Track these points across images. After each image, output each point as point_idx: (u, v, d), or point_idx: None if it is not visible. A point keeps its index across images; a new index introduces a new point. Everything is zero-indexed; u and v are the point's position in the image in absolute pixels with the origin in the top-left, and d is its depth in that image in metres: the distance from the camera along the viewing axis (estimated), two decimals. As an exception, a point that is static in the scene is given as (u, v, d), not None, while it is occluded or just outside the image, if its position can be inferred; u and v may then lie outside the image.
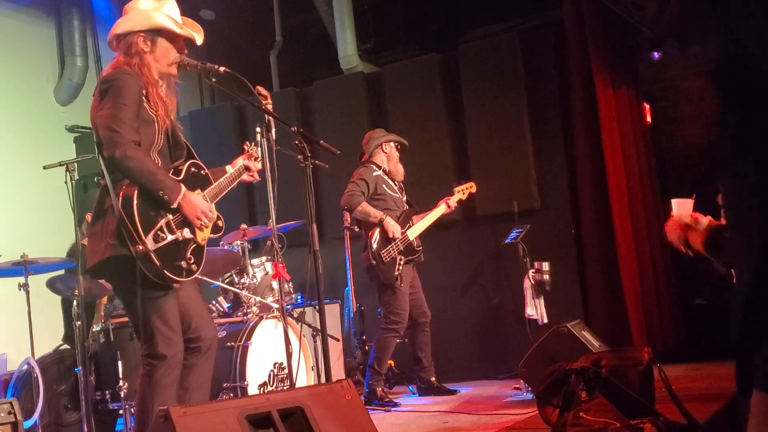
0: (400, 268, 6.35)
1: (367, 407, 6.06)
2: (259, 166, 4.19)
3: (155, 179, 3.60)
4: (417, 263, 6.62)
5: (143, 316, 3.61)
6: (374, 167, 6.55)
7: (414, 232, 6.49)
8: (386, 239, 6.36)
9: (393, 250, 6.35)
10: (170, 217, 3.67)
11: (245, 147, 4.21)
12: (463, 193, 6.83)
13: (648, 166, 7.10)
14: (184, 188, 3.71)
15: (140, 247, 3.53)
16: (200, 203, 3.74)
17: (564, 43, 7.32)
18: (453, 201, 6.73)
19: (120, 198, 3.58)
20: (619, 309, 6.91)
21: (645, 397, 4.21)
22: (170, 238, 3.65)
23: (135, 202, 3.57)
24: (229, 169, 4.11)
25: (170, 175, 3.75)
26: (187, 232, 3.71)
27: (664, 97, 7.70)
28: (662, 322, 6.93)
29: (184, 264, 3.70)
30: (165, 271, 3.60)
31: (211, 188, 3.95)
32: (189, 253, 3.73)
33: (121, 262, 3.59)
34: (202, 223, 3.74)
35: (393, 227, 6.35)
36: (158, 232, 3.61)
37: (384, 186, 6.53)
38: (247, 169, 4.15)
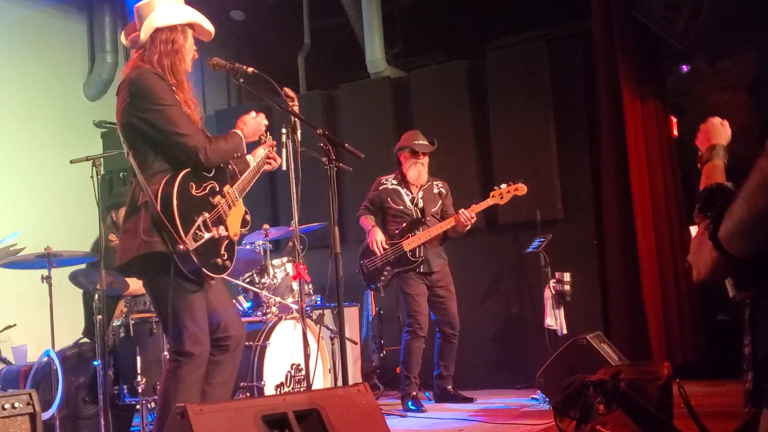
0: (385, 277, 6.42)
1: (399, 408, 6.11)
2: (278, 159, 4.19)
3: (233, 152, 3.87)
4: (443, 273, 6.52)
5: (173, 313, 3.63)
6: (389, 179, 6.56)
7: (411, 243, 6.36)
8: (369, 249, 6.44)
9: (377, 260, 6.41)
10: (206, 215, 3.70)
11: (261, 137, 4.20)
12: (502, 197, 6.33)
13: (673, 180, 7.05)
14: (238, 132, 3.91)
15: (181, 246, 3.55)
16: (250, 124, 3.99)
17: (592, 54, 7.29)
18: (481, 206, 6.31)
19: (159, 198, 3.59)
20: (640, 322, 6.86)
21: (663, 412, 4.17)
22: (207, 236, 3.68)
23: (174, 202, 3.59)
24: (250, 158, 4.12)
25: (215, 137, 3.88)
26: (222, 230, 3.76)
27: (692, 110, 7.66)
28: (683, 337, 6.87)
29: (219, 261, 3.74)
30: (203, 269, 3.64)
31: (238, 183, 3.99)
32: (223, 249, 3.77)
33: (154, 258, 3.62)
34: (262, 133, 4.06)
35: (373, 239, 6.38)
36: (197, 231, 3.63)
37: (389, 200, 6.49)
38: (267, 157, 4.17)
